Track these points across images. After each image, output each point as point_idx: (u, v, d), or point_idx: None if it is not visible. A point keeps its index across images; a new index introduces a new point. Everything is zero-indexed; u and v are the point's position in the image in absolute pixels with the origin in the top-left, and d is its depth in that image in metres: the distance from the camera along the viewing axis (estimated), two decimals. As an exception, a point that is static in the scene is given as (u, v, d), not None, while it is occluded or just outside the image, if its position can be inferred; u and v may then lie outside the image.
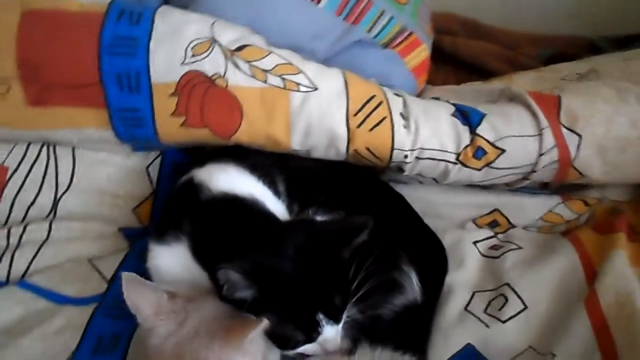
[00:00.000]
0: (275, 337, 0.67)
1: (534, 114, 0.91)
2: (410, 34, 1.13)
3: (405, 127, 0.90)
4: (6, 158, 0.94)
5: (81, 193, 0.95)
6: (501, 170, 0.91)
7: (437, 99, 1.03)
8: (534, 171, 0.91)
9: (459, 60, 1.38)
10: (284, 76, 0.88)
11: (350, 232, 0.70)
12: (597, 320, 0.73)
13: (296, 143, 0.89)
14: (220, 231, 0.72)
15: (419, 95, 1.15)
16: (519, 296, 0.80)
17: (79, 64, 0.87)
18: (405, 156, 0.90)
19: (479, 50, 1.38)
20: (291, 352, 0.70)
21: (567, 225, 0.95)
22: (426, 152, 0.90)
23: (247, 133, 0.88)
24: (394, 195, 0.93)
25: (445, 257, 0.88)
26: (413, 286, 0.77)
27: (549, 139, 0.89)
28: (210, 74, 0.87)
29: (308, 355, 0.71)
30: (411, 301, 0.77)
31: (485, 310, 0.80)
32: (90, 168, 0.96)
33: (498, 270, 0.85)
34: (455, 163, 0.91)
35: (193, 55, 0.87)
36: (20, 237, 0.90)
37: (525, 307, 0.78)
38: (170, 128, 0.89)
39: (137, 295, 0.65)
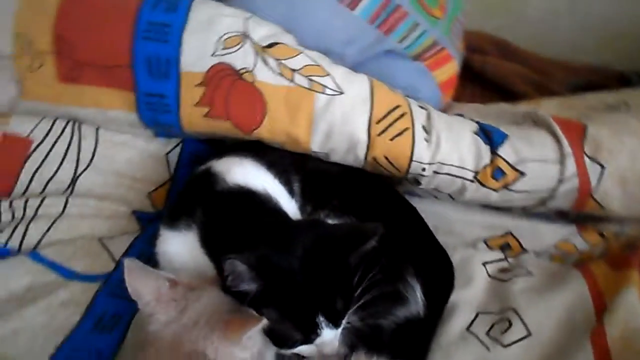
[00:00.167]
0: (273, 335, 0.66)
1: (557, 140, 0.90)
2: (441, 49, 1.13)
3: (426, 140, 0.90)
4: (32, 131, 0.95)
5: (100, 172, 0.97)
6: (519, 193, 0.90)
7: (461, 115, 1.03)
8: (552, 197, 0.90)
9: (487, 79, 1.37)
10: (311, 77, 0.89)
11: (359, 237, 0.69)
12: (602, 354, 0.71)
13: (316, 144, 0.90)
14: (231, 223, 0.73)
15: (444, 110, 1.14)
16: (523, 322, 0.78)
17: (113, 45, 0.88)
18: (423, 169, 0.90)
19: (509, 71, 1.37)
20: (288, 352, 0.69)
21: (580, 256, 0.94)
22: (445, 167, 0.90)
23: (268, 129, 0.89)
24: (407, 207, 0.92)
25: (452, 274, 0.87)
26: (417, 299, 0.77)
27: (570, 166, 0.88)
28: (238, 68, 0.88)
29: (303, 357, 0.71)
30: (413, 314, 0.76)
31: (487, 333, 0.79)
32: (112, 149, 0.98)
33: (505, 294, 0.84)
34: (472, 181, 0.90)
35: (224, 48, 0.88)
36: (37, 209, 0.91)
37: (529, 334, 0.77)
38: (194, 117, 0.90)
39: (139, 281, 0.65)
